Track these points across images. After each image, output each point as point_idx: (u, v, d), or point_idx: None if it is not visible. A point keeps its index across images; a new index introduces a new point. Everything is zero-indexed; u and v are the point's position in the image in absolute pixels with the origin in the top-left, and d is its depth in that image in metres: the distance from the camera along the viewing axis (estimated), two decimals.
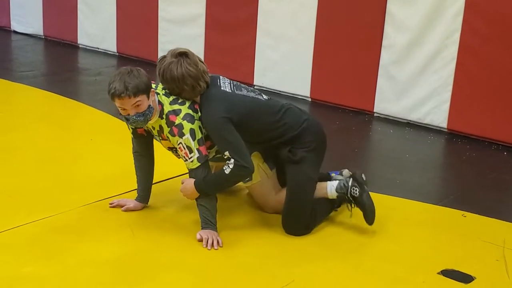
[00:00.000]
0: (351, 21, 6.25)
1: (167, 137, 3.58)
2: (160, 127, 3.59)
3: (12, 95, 6.59)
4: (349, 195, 3.82)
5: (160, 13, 7.68)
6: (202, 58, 3.69)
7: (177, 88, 3.61)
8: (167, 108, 3.56)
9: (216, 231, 3.59)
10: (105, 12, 8.26)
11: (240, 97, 3.71)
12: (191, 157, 3.53)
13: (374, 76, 6.18)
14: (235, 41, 7.13)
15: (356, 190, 3.80)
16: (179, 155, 3.64)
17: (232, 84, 3.77)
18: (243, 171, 3.54)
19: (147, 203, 3.95)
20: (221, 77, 3.80)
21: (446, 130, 5.87)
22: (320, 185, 3.88)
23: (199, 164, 3.54)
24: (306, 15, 6.50)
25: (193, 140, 3.51)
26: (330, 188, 3.87)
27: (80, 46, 8.69)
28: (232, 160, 3.49)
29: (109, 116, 5.81)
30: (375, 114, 6.27)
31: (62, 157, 4.77)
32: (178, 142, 3.53)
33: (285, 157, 3.76)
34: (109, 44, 8.35)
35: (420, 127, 5.99)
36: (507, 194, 4.69)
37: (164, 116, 3.56)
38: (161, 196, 4.06)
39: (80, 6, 8.53)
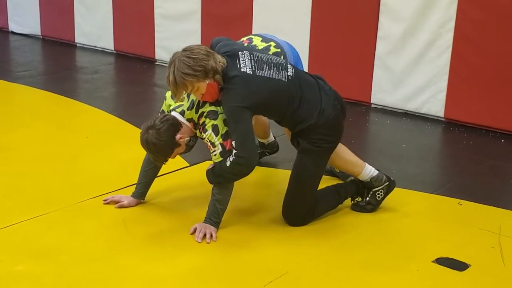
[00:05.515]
0: (346, 12, 6.22)
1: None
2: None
3: (9, 95, 6.58)
4: (373, 190, 3.89)
5: (156, 10, 7.66)
6: None
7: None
8: (196, 117, 3.61)
9: (216, 228, 3.59)
10: (102, 10, 8.24)
11: (260, 82, 3.50)
12: (214, 151, 3.56)
13: (370, 67, 6.16)
14: (231, 36, 7.03)
15: (382, 194, 3.91)
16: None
17: (253, 61, 3.55)
18: (241, 166, 3.50)
19: (143, 199, 3.94)
20: (240, 53, 3.58)
21: (443, 119, 5.85)
22: (357, 161, 3.90)
23: (221, 158, 3.55)
24: (301, 8, 6.47)
25: (216, 135, 3.53)
26: (369, 170, 3.89)
27: (77, 45, 8.68)
28: (234, 152, 3.48)
29: (106, 114, 5.81)
30: (372, 105, 6.25)
31: (59, 155, 4.76)
32: (203, 137, 3.59)
33: (305, 145, 3.65)
34: (106, 42, 8.34)
35: (417, 116, 5.97)
36: (504, 182, 4.67)
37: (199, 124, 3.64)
38: (156, 192, 4.05)
39: (76, 5, 8.51)
